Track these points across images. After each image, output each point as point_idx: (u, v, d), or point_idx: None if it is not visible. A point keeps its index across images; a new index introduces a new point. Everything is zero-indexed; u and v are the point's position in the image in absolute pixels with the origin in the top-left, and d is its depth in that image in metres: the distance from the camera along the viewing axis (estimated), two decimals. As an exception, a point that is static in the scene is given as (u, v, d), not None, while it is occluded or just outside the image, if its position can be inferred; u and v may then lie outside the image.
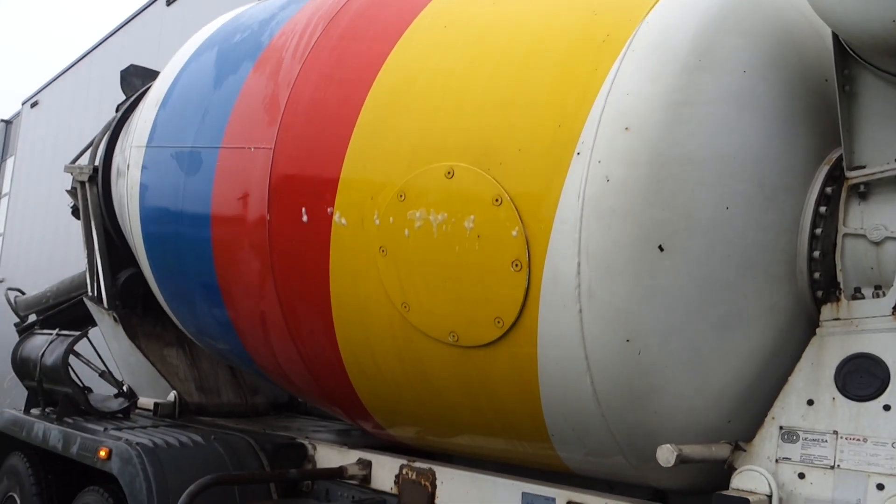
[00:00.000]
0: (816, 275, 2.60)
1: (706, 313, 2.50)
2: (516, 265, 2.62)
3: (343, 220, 3.22)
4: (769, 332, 2.62)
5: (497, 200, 2.68)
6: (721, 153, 2.48)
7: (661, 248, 2.42)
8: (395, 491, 3.54)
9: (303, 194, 3.44)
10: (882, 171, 2.47)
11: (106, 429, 4.42)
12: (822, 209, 2.60)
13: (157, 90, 4.73)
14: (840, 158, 2.58)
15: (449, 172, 2.82)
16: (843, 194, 2.56)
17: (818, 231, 2.59)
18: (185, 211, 4.20)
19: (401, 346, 3.14)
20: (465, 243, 2.77)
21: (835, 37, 2.47)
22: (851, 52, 2.46)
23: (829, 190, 2.60)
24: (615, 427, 2.62)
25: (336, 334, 3.39)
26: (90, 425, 4.65)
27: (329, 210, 3.27)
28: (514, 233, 2.63)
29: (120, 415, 5.02)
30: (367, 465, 3.71)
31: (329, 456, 3.96)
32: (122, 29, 17.49)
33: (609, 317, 2.47)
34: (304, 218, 3.39)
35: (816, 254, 2.59)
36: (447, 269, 2.85)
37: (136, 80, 6.29)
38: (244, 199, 3.74)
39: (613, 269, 2.44)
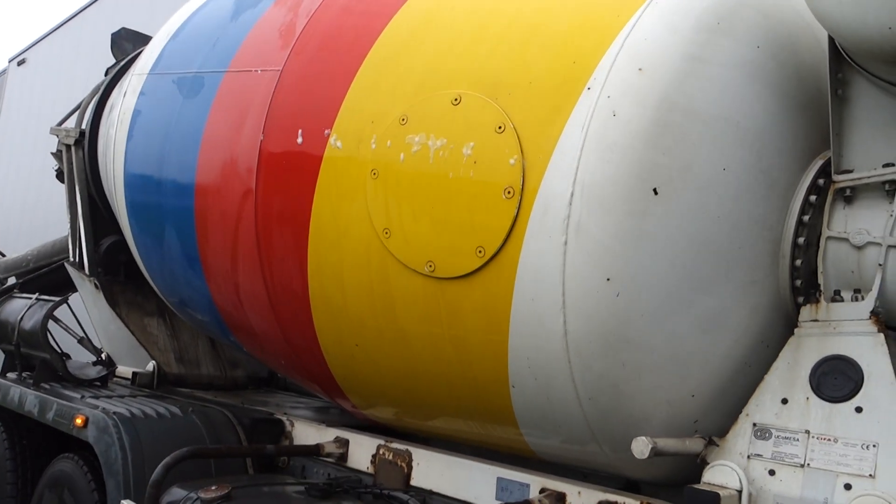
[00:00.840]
0: (798, 282, 2.63)
1: (690, 271, 2.49)
2: (508, 192, 2.61)
3: (339, 143, 3.21)
4: (749, 329, 2.64)
5: (500, 128, 2.67)
6: (726, 115, 2.51)
7: (655, 192, 2.42)
8: (371, 470, 3.57)
9: (302, 116, 3.43)
10: (868, 177, 2.49)
11: (83, 396, 4.41)
12: (808, 214, 2.62)
13: (171, 24, 4.77)
14: (829, 160, 2.60)
15: (456, 99, 2.83)
16: (829, 197, 2.58)
17: (801, 237, 2.61)
18: (172, 150, 4.20)
19: (373, 278, 3.07)
20: (461, 169, 2.76)
21: (831, 40, 2.47)
22: (846, 57, 2.47)
23: (820, 182, 2.61)
24: (579, 375, 2.54)
25: (308, 260, 3.32)
26: (67, 392, 4.63)
27: (326, 132, 3.26)
28: (511, 161, 2.62)
29: (98, 383, 5.00)
30: (344, 443, 3.73)
31: (307, 433, 3.97)
32: (114, -9, 17.17)
33: (593, 252, 2.45)
34: (300, 140, 3.38)
35: (798, 262, 2.61)
36: (437, 195, 2.83)
37: (128, 44, 6.20)
38: (240, 123, 3.72)
39: (606, 203, 2.44)
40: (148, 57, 4.76)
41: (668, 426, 2.57)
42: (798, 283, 2.62)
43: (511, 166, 2.61)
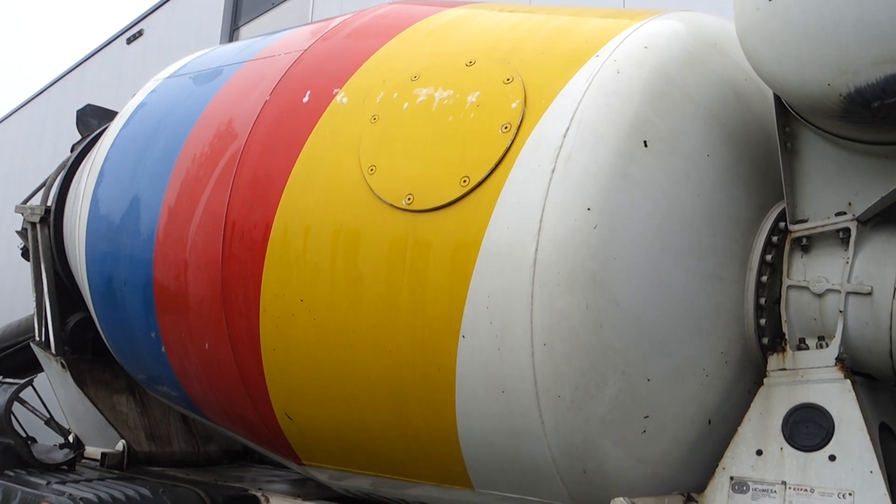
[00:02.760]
0: (764, 339, 2.67)
1: (664, 234, 2.52)
2: (505, 128, 2.68)
3: (345, 100, 3.26)
4: (719, 382, 2.66)
5: (508, 80, 2.80)
6: (716, 111, 2.72)
7: (645, 144, 2.54)
8: (348, 544, 3.47)
9: (313, 79, 3.49)
10: (823, 226, 2.56)
11: (49, 482, 4.25)
12: (767, 267, 2.68)
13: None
14: (780, 214, 2.67)
15: (470, 62, 2.97)
16: (787, 247, 2.64)
17: (762, 295, 2.66)
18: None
19: (343, 218, 3.00)
20: (461, 113, 2.83)
21: (776, 96, 2.57)
22: (792, 111, 2.56)
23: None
24: (539, 314, 2.45)
25: (281, 199, 3.23)
26: (32, 479, 4.46)
27: (334, 91, 3.30)
28: (513, 105, 2.72)
29: (65, 466, 4.83)
30: (321, 517, 3.63)
31: (282, 508, 3.86)
32: (81, 66, 17.33)
33: (579, 180, 2.48)
34: (305, 99, 3.41)
35: (762, 318, 2.67)
36: (432, 134, 2.88)
37: (93, 120, 6.22)
38: (229, 123, 3.74)
39: (598, 138, 2.52)
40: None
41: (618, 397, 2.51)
42: (764, 339, 2.66)
43: (512, 109, 2.71)
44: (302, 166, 3.23)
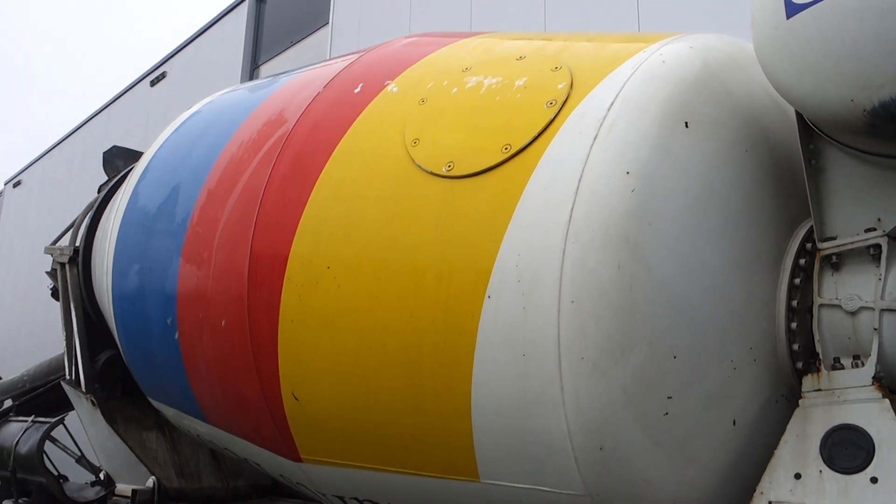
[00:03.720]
0: (795, 346, 2.62)
1: (700, 212, 2.53)
2: (550, 103, 2.75)
3: (395, 89, 3.34)
4: (747, 380, 2.61)
5: (556, 68, 2.87)
6: (755, 113, 2.79)
7: (686, 124, 2.57)
8: (381, 579, 3.42)
9: (367, 74, 3.58)
10: (852, 243, 2.52)
11: (81, 520, 4.27)
12: (797, 280, 2.65)
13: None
14: (810, 231, 2.64)
15: (520, 57, 3.08)
16: (817, 265, 2.60)
17: (794, 303, 2.62)
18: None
19: (381, 186, 3.04)
20: (508, 94, 2.91)
21: (798, 114, 2.56)
22: (815, 129, 2.54)
23: (802, 261, 2.65)
24: (569, 272, 2.42)
25: (321, 174, 3.28)
26: (65, 517, 4.48)
27: (386, 82, 3.39)
28: (560, 86, 2.79)
29: (96, 504, 4.85)
30: (351, 551, 3.59)
31: (312, 542, 3.84)
32: (106, 109, 17.73)
33: (620, 146, 2.51)
34: (357, 90, 3.50)
35: (794, 325, 2.62)
36: (478, 109, 2.95)
37: (119, 161, 6.34)
38: (280, 113, 3.84)
39: (642, 109, 2.57)
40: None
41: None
42: (800, 366, 2.61)
43: (559, 89, 2.78)
44: (346, 144, 3.32)
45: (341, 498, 3.55)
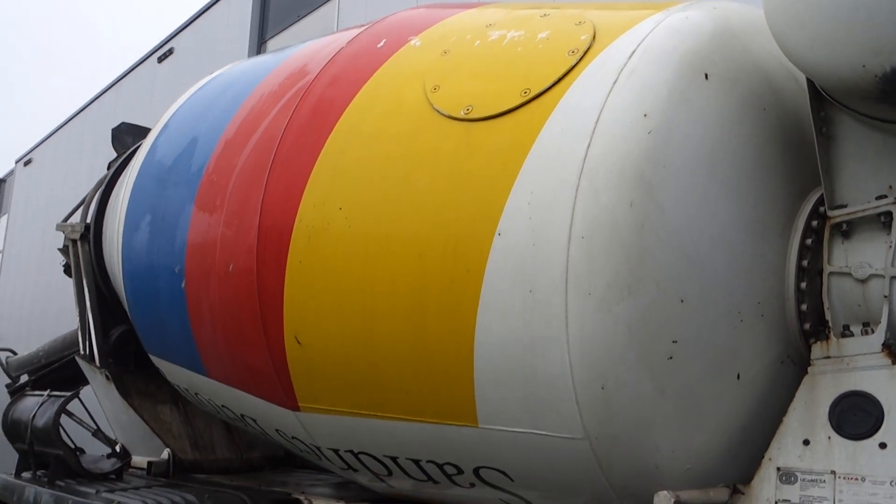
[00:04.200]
0: (804, 307, 2.62)
1: (715, 161, 2.55)
2: (572, 52, 2.77)
3: (418, 43, 3.37)
4: (753, 335, 2.62)
5: (579, 22, 2.90)
6: (772, 75, 2.82)
7: (706, 76, 2.61)
8: (393, 545, 3.48)
9: (391, 31, 3.62)
10: (863, 210, 2.51)
11: (98, 491, 4.35)
12: (806, 253, 2.65)
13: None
14: (821, 198, 2.62)
15: (545, 14, 3.11)
16: (827, 233, 2.60)
17: (803, 280, 2.62)
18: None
19: (399, 130, 3.09)
20: (530, 45, 2.95)
21: (809, 81, 2.53)
22: (826, 96, 2.52)
23: (809, 241, 2.64)
24: (581, 207, 2.45)
25: (340, 120, 3.32)
26: (82, 488, 4.57)
27: (410, 38, 3.42)
28: (582, 37, 2.81)
29: (113, 476, 4.94)
30: (364, 519, 3.65)
31: (326, 511, 3.89)
32: (115, 86, 17.72)
33: (639, 90, 2.53)
34: (380, 45, 3.53)
35: (804, 307, 2.62)
36: (500, 58, 2.99)
37: (128, 137, 6.36)
38: (302, 67, 3.87)
39: (663, 58, 2.59)
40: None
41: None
42: (807, 327, 2.61)
43: (581, 40, 2.81)
44: (366, 92, 3.35)
45: (336, 451, 3.55)
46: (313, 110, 3.54)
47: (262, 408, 3.84)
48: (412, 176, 2.97)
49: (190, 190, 4.15)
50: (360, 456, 3.45)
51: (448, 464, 3.04)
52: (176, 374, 4.62)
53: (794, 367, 2.65)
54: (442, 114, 2.94)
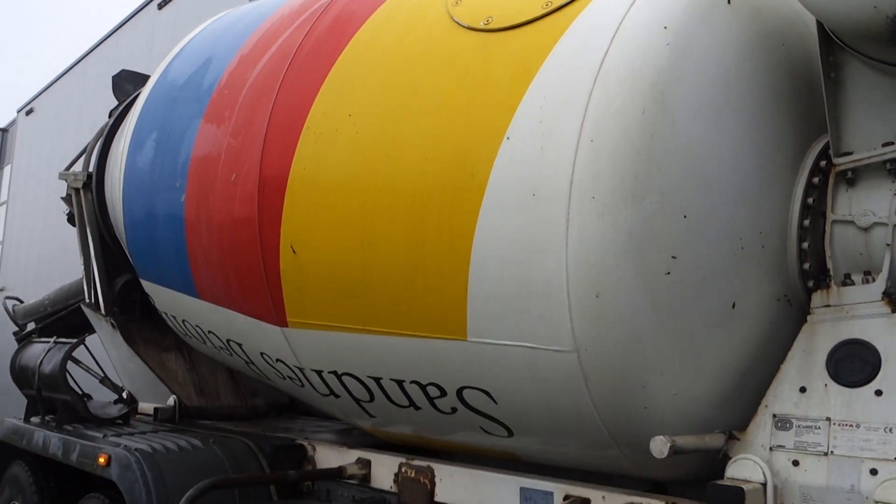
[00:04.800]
0: (806, 266, 2.60)
1: (730, 82, 2.54)
2: None
3: None
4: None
5: None
6: (788, 15, 2.78)
7: (728, 1, 2.59)
8: (394, 489, 3.55)
9: None
10: (869, 157, 2.48)
11: (105, 435, 4.43)
12: (812, 198, 2.61)
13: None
14: (827, 145, 2.58)
15: None
16: (831, 181, 2.57)
17: (807, 220, 2.60)
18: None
19: (416, 42, 3.10)
20: None
21: (819, 25, 2.47)
22: (836, 40, 2.46)
23: (815, 180, 2.61)
24: (592, 110, 2.44)
25: (357, 32, 3.34)
26: (90, 432, 4.66)
27: None
28: None
29: (120, 421, 5.03)
30: (366, 464, 3.72)
31: (329, 456, 3.97)
32: (115, 34, 17.47)
33: (661, 4, 2.53)
34: None
35: (806, 246, 2.60)
36: None
37: (129, 85, 6.28)
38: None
39: None
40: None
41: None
42: (807, 266, 2.60)
43: None
44: (385, 7, 3.35)
45: (319, 373, 3.54)
46: (332, 23, 3.53)
47: (248, 328, 3.82)
48: (425, 84, 2.97)
49: (200, 105, 4.15)
50: (343, 378, 3.42)
51: (432, 384, 3.03)
52: (166, 298, 4.61)
53: (789, 310, 2.64)
54: (461, 25, 2.92)
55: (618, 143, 2.40)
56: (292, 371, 3.74)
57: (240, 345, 4.07)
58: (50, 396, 5.35)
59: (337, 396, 3.59)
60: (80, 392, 5.26)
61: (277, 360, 3.78)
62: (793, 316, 2.63)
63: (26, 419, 5.52)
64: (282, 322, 3.53)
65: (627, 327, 2.45)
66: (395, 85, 3.09)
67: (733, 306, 2.54)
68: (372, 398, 3.38)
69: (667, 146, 2.41)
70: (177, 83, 4.64)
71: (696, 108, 2.46)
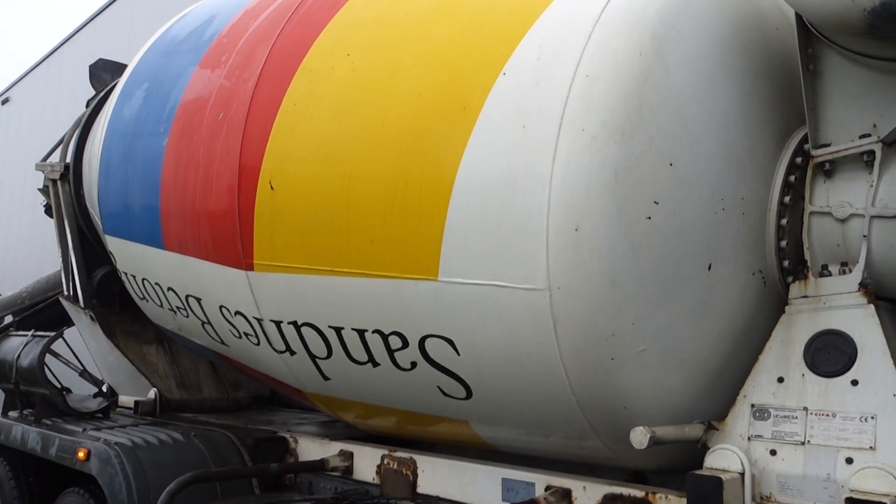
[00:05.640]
0: (785, 262, 2.63)
1: (725, 49, 2.62)
2: None
3: None
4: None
5: None
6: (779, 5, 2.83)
7: None
8: (377, 481, 3.55)
9: None
10: (846, 149, 2.49)
11: (85, 429, 4.39)
12: (789, 193, 2.64)
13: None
14: (805, 137, 2.60)
15: None
16: (809, 173, 2.58)
17: (784, 217, 2.62)
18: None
19: None
20: None
21: (798, 17, 2.48)
22: (815, 32, 2.47)
23: (796, 164, 2.64)
24: (591, 50, 2.48)
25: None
26: (69, 426, 4.62)
27: None
28: None
29: (100, 414, 4.99)
30: (348, 456, 3.72)
31: (311, 448, 3.96)
32: (92, 22, 17.21)
33: None
34: None
35: (784, 241, 2.62)
36: None
37: (106, 74, 6.20)
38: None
39: None
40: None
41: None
42: (783, 244, 2.62)
43: None
44: None
45: (278, 324, 3.44)
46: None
47: (210, 279, 3.74)
48: (427, 29, 3.00)
49: (196, 55, 4.13)
50: (302, 329, 3.33)
51: (395, 333, 2.95)
52: (130, 254, 4.52)
53: (762, 287, 2.66)
54: None
55: (612, 81, 2.43)
56: (250, 325, 3.62)
57: (199, 300, 3.95)
58: (28, 390, 5.30)
59: (293, 353, 3.48)
60: (58, 385, 5.21)
61: (237, 312, 3.67)
62: (767, 298, 2.65)
63: (4, 413, 5.46)
64: (248, 265, 3.44)
65: (604, 267, 2.42)
66: (396, 31, 3.12)
67: (709, 268, 2.54)
68: (329, 353, 3.28)
69: (659, 92, 2.46)
70: (177, 38, 4.61)
71: (690, 61, 2.54)
